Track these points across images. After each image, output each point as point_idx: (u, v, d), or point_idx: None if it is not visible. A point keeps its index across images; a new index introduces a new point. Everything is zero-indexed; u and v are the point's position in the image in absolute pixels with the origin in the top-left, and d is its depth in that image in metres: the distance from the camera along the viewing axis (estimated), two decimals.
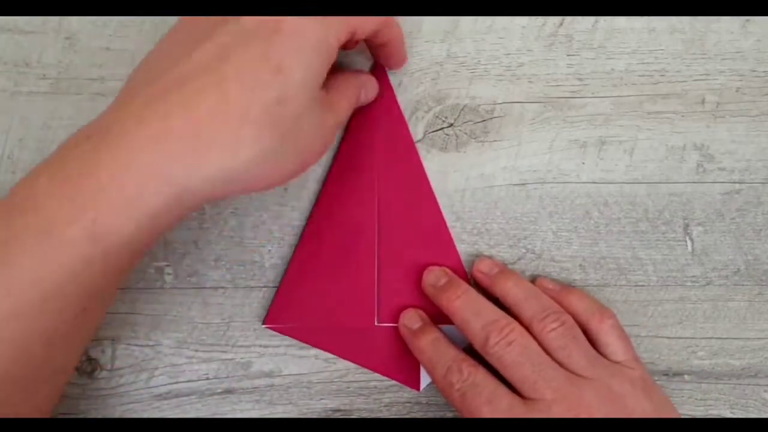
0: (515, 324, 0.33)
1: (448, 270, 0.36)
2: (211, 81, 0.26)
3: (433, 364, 0.34)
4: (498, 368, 0.32)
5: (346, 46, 0.31)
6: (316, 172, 0.37)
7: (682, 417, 0.33)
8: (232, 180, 0.26)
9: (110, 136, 0.26)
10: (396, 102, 0.36)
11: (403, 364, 0.36)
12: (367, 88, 0.35)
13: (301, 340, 0.37)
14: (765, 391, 0.37)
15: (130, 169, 0.25)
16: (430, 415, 0.37)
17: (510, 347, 0.32)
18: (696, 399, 0.37)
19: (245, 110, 0.26)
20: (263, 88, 0.26)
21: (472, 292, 0.34)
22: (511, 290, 0.34)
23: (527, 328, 0.33)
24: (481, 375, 0.32)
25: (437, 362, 0.33)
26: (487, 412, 0.31)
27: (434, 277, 0.36)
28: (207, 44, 0.27)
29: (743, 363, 0.37)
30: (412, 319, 0.36)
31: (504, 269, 0.36)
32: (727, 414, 0.37)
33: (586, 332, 0.34)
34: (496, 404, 0.31)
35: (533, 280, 0.37)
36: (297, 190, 0.37)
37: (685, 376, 0.37)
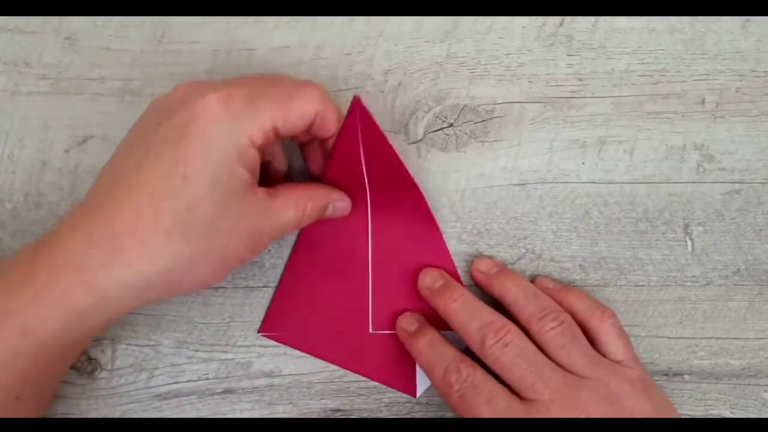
0: (511, 325, 0.33)
1: (443, 272, 0.36)
2: (127, 194, 0.28)
3: (432, 365, 0.34)
4: (495, 370, 0.32)
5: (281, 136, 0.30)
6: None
7: (682, 417, 0.33)
8: (151, 286, 0.28)
9: (49, 243, 0.28)
10: (374, 121, 0.32)
11: (399, 371, 0.36)
12: (334, 204, 0.34)
13: (297, 348, 0.37)
14: (765, 391, 0.37)
15: (58, 273, 0.28)
16: (430, 415, 0.37)
17: (507, 348, 0.32)
18: (696, 399, 0.37)
19: (155, 220, 0.27)
20: (172, 196, 0.27)
21: (469, 295, 0.34)
22: (510, 289, 0.35)
23: (526, 328, 0.33)
24: (479, 375, 0.32)
25: (435, 363, 0.33)
26: (486, 413, 0.31)
27: (430, 278, 0.36)
28: (130, 158, 0.29)
29: (743, 363, 0.37)
30: (409, 321, 0.36)
31: (503, 268, 0.36)
32: (727, 414, 0.37)
33: (585, 331, 0.34)
34: (495, 404, 0.31)
35: (533, 279, 0.37)
36: None
37: (685, 376, 0.37)
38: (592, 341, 0.34)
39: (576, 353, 0.32)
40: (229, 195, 0.28)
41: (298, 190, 0.32)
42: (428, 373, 0.34)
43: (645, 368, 0.34)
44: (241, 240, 0.29)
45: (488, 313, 0.33)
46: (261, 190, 0.30)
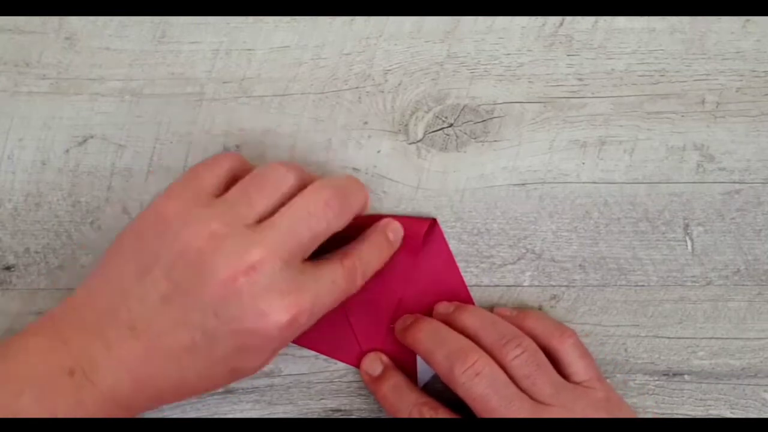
0: (480, 352, 0.32)
1: (418, 314, 0.36)
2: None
3: (396, 410, 0.34)
4: (464, 399, 0.32)
5: None
6: (316, 173, 0.37)
7: None
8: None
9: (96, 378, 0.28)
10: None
11: (399, 366, 0.36)
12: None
13: (297, 344, 0.37)
14: (765, 391, 0.37)
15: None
16: None
17: (477, 378, 0.32)
18: (696, 399, 0.37)
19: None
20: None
21: (435, 323, 0.34)
22: (467, 321, 0.34)
23: (490, 356, 0.33)
24: (440, 413, 0.33)
25: (399, 408, 0.34)
26: None
27: (402, 320, 0.36)
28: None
29: (743, 363, 0.37)
30: (372, 364, 0.36)
31: (459, 305, 0.36)
32: (727, 414, 0.37)
33: (547, 353, 0.34)
34: None
35: (491, 309, 0.37)
36: None
37: (685, 376, 0.37)
38: (554, 362, 0.34)
39: (541, 382, 0.32)
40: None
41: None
42: (393, 415, 0.34)
43: (609, 385, 0.34)
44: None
45: (456, 339, 0.33)
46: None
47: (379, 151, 0.37)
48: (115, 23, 0.36)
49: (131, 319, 0.28)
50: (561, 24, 0.37)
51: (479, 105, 0.37)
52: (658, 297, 0.37)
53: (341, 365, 0.37)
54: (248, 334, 0.29)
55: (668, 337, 0.37)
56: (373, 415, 0.37)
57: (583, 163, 0.37)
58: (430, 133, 0.37)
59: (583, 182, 0.37)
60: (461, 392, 0.32)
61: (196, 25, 0.36)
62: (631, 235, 0.37)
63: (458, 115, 0.37)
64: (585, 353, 0.35)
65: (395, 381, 0.35)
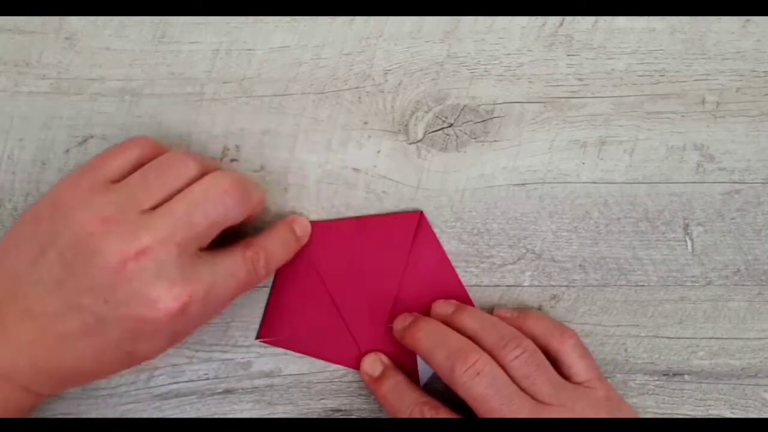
0: (481, 352, 0.32)
1: (415, 313, 0.36)
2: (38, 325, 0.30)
3: (396, 410, 0.34)
4: (465, 399, 0.32)
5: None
6: (316, 173, 0.37)
7: None
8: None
9: None
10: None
11: (399, 366, 0.36)
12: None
13: (296, 351, 0.37)
14: (765, 391, 0.37)
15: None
16: None
17: (478, 378, 0.31)
18: (696, 399, 0.37)
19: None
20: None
21: (435, 323, 0.34)
22: (467, 323, 0.34)
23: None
24: (442, 412, 0.32)
25: (399, 408, 0.34)
26: None
27: (401, 320, 0.36)
28: (48, 281, 0.29)
29: (743, 363, 0.37)
30: (373, 365, 0.36)
31: (459, 306, 0.36)
32: (727, 414, 0.37)
33: (547, 353, 0.34)
34: None
35: (490, 310, 0.37)
36: (297, 189, 0.37)
37: (685, 376, 0.37)
38: (555, 363, 0.34)
39: (541, 382, 0.32)
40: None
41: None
42: (393, 415, 0.34)
43: (610, 385, 0.34)
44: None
45: (457, 339, 0.33)
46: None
47: (379, 151, 0.37)
48: (115, 23, 0.36)
49: (27, 302, 0.29)
50: (561, 24, 0.37)
51: (479, 105, 0.37)
52: (658, 297, 0.37)
53: (341, 365, 0.37)
54: (138, 321, 0.28)
55: (668, 337, 0.37)
56: (373, 415, 0.37)
57: (583, 163, 0.37)
58: (430, 133, 0.37)
59: (583, 182, 0.37)
60: (462, 392, 0.32)
61: (196, 25, 0.36)
62: (631, 235, 0.37)
63: (458, 115, 0.37)
64: (585, 353, 0.34)
65: (395, 381, 0.35)
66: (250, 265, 0.31)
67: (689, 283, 0.37)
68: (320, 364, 0.37)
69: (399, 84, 0.37)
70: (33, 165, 0.36)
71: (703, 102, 0.37)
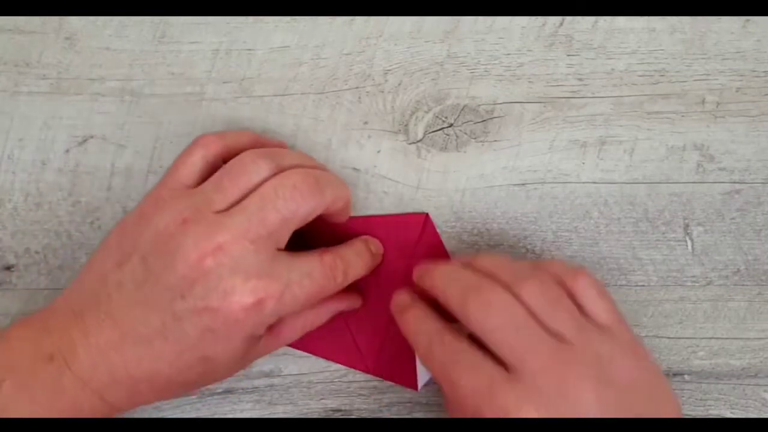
0: (497, 286, 0.30)
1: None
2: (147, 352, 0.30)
3: (417, 336, 0.32)
4: (480, 335, 0.29)
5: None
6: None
7: (673, 390, 0.31)
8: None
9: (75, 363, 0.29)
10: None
11: (398, 365, 0.36)
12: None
13: (296, 348, 0.37)
14: (765, 391, 0.37)
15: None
16: (430, 415, 0.37)
17: (491, 310, 0.29)
18: (696, 399, 0.37)
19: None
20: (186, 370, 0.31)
21: (453, 265, 0.33)
22: (484, 263, 0.32)
23: None
24: (464, 345, 0.30)
25: (420, 334, 0.32)
26: (466, 383, 0.29)
27: (422, 265, 0.34)
28: (144, 303, 0.30)
29: (743, 363, 0.37)
30: (401, 298, 0.34)
31: (478, 254, 0.35)
32: (727, 414, 0.37)
33: None
34: (476, 374, 0.29)
35: None
36: None
37: (685, 376, 0.37)
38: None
39: (560, 317, 0.29)
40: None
41: (302, 319, 0.34)
42: (414, 345, 0.32)
43: (631, 328, 0.32)
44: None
45: (473, 276, 0.31)
46: (260, 342, 0.32)
47: (379, 151, 0.37)
48: (115, 23, 0.36)
49: (110, 306, 0.29)
50: (561, 24, 0.37)
51: (479, 105, 0.37)
52: (658, 297, 0.37)
53: (342, 365, 0.37)
54: (213, 314, 0.29)
55: (668, 337, 0.37)
56: (373, 415, 0.37)
57: (583, 163, 0.37)
58: (430, 133, 0.37)
59: (583, 182, 0.37)
60: (475, 327, 0.29)
61: (196, 25, 0.36)
62: (631, 235, 0.37)
63: (458, 115, 0.37)
64: (603, 292, 0.31)
65: (420, 310, 0.33)
66: (328, 270, 0.32)
67: (689, 283, 0.37)
68: (320, 364, 0.37)
69: (399, 84, 0.37)
70: (33, 165, 0.36)
71: (703, 102, 0.37)
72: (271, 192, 0.30)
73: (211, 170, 0.32)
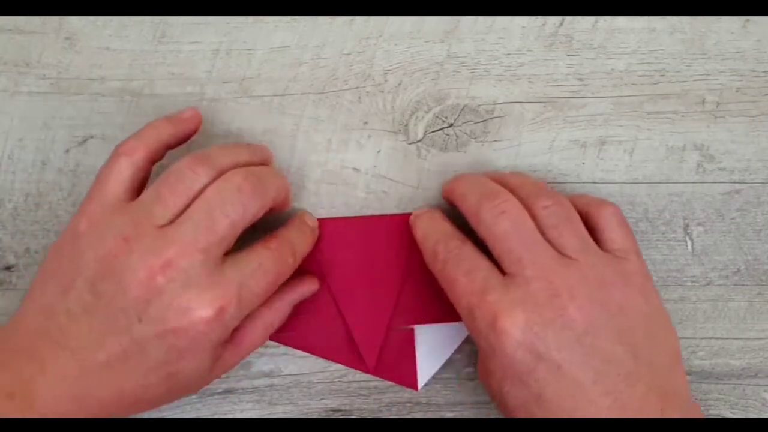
0: (512, 197, 0.31)
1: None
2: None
3: (425, 237, 0.33)
4: (487, 240, 0.31)
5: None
6: (316, 173, 0.37)
7: (674, 329, 0.31)
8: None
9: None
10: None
11: (399, 365, 0.36)
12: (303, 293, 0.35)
13: (297, 348, 0.37)
14: (765, 391, 0.37)
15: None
16: (429, 415, 0.37)
17: (502, 216, 0.30)
18: (696, 399, 0.37)
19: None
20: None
21: (480, 175, 0.34)
22: (509, 179, 0.33)
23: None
24: (467, 249, 0.31)
25: (429, 235, 0.33)
26: (463, 283, 0.30)
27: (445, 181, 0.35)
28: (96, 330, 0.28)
29: (743, 363, 0.37)
30: (419, 210, 0.35)
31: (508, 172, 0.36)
32: (727, 414, 0.37)
33: (585, 220, 0.32)
34: (473, 275, 0.30)
35: None
36: (297, 190, 0.37)
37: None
38: (592, 230, 0.32)
39: (569, 234, 0.30)
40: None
41: (260, 320, 0.33)
42: (421, 246, 0.33)
43: (645, 264, 0.31)
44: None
45: (492, 186, 0.32)
46: (226, 352, 0.32)
47: (379, 151, 0.37)
48: (115, 23, 0.36)
49: (62, 336, 0.28)
50: (561, 24, 0.37)
51: (479, 105, 0.37)
52: None
53: (341, 365, 0.37)
54: (175, 334, 0.28)
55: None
56: (373, 415, 0.37)
57: (583, 163, 0.37)
58: (430, 133, 0.37)
59: (583, 182, 0.37)
60: (484, 231, 0.31)
61: (196, 25, 0.36)
62: None
63: (458, 115, 0.37)
64: (625, 224, 0.32)
65: (434, 214, 0.34)
66: (277, 255, 0.31)
67: (689, 283, 0.37)
68: (320, 364, 0.37)
69: (399, 84, 0.37)
70: (33, 165, 0.36)
71: (703, 102, 0.37)
72: (216, 197, 0.29)
73: (140, 178, 0.31)
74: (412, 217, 0.35)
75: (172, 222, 0.29)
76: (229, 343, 0.32)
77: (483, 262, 0.30)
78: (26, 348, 0.28)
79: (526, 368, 0.28)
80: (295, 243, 0.32)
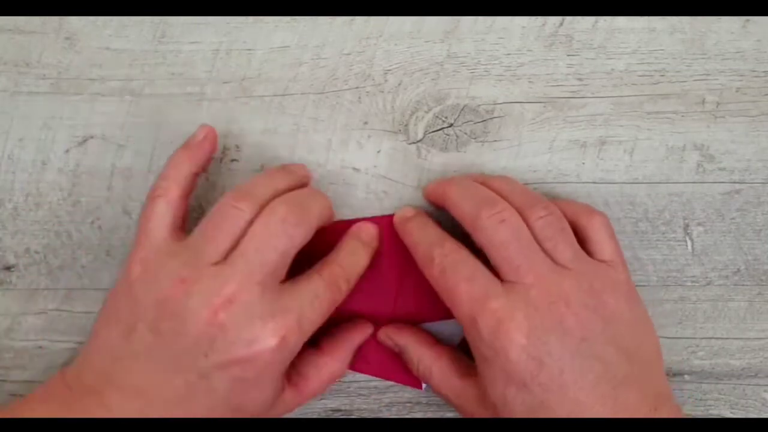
0: (509, 205, 0.32)
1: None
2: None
3: (417, 242, 0.33)
4: (484, 247, 0.31)
5: None
6: (316, 173, 0.37)
7: (657, 337, 0.32)
8: None
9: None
10: None
11: (402, 365, 0.36)
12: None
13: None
14: (765, 391, 0.37)
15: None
16: (430, 415, 0.37)
17: (502, 225, 0.31)
18: (696, 399, 0.37)
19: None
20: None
21: (468, 179, 0.34)
22: (499, 184, 0.34)
23: None
24: (463, 253, 0.32)
25: (421, 240, 0.33)
26: (464, 290, 0.30)
27: (428, 186, 0.36)
28: (167, 370, 0.29)
29: (743, 363, 0.37)
30: (404, 210, 0.36)
31: (491, 175, 0.36)
32: (727, 414, 0.37)
33: (575, 230, 0.33)
34: (474, 282, 0.30)
35: None
36: None
37: (685, 376, 0.37)
38: (581, 240, 0.33)
39: (563, 246, 0.31)
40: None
41: (326, 369, 0.34)
42: (413, 251, 0.33)
43: (630, 275, 0.33)
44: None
45: (487, 193, 0.33)
46: (288, 393, 0.33)
47: (379, 151, 0.37)
48: (115, 23, 0.36)
49: (129, 378, 0.29)
50: (561, 24, 0.37)
51: (479, 105, 0.37)
52: (658, 297, 0.37)
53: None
54: (241, 365, 0.29)
55: (668, 337, 0.37)
56: (373, 415, 0.37)
57: (583, 163, 0.37)
58: (430, 133, 0.37)
59: (583, 182, 0.37)
60: (483, 238, 0.31)
61: (196, 25, 0.36)
62: (631, 235, 0.37)
63: (458, 115, 0.37)
64: (612, 235, 0.33)
65: (423, 220, 0.35)
66: (331, 284, 0.32)
67: (689, 283, 0.37)
68: None
69: (399, 84, 0.37)
70: (33, 165, 0.36)
71: (703, 102, 0.37)
72: (263, 231, 0.30)
73: (180, 215, 0.32)
74: (397, 220, 0.35)
75: (224, 259, 0.30)
76: (293, 386, 0.33)
77: (481, 268, 0.31)
78: (93, 390, 0.29)
79: (530, 374, 0.29)
80: (347, 268, 0.33)
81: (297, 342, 0.30)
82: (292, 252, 0.31)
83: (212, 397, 0.29)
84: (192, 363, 0.29)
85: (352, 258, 0.34)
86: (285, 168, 0.35)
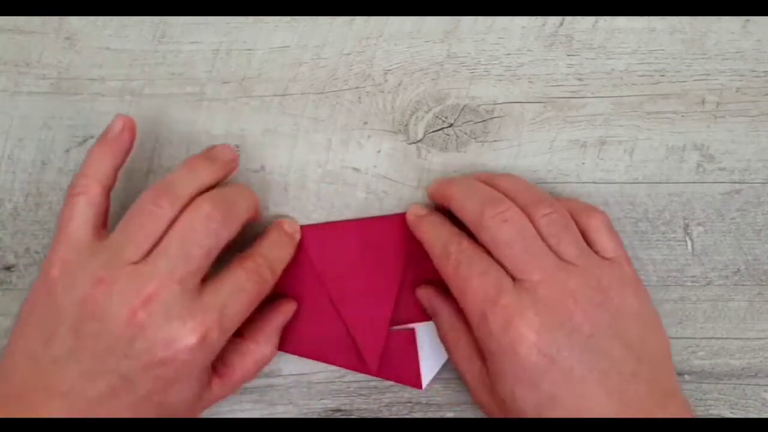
0: (513, 204, 0.32)
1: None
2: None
3: (433, 240, 0.33)
4: (489, 246, 0.31)
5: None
6: (317, 173, 0.37)
7: (663, 326, 0.32)
8: None
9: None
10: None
11: (402, 365, 0.36)
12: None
13: (299, 355, 0.36)
14: (765, 391, 0.37)
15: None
16: (430, 415, 0.37)
17: (506, 224, 0.31)
18: (696, 399, 0.37)
19: None
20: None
21: (470, 179, 0.34)
22: (503, 182, 0.34)
23: None
24: (479, 250, 0.32)
25: (437, 237, 0.33)
26: (477, 284, 0.30)
27: (431, 185, 0.36)
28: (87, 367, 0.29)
29: (743, 363, 0.37)
30: (416, 208, 0.35)
31: (496, 174, 0.36)
32: (727, 414, 0.37)
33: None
34: (487, 277, 0.30)
35: None
36: (297, 189, 0.37)
37: (685, 376, 0.37)
38: (582, 237, 0.33)
39: (567, 242, 0.31)
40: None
41: (250, 356, 0.34)
42: (429, 249, 0.33)
43: (634, 269, 0.33)
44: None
45: (490, 191, 0.33)
46: (215, 385, 0.33)
47: (379, 151, 0.37)
48: (115, 23, 0.36)
49: (50, 382, 0.29)
50: (561, 24, 0.37)
51: (479, 105, 0.37)
52: (658, 297, 0.37)
53: (342, 368, 0.37)
54: (162, 365, 0.29)
55: (668, 337, 0.37)
56: (373, 415, 0.37)
57: (583, 163, 0.37)
58: (430, 133, 0.37)
59: (583, 182, 0.37)
60: (487, 238, 0.31)
61: (196, 25, 0.36)
62: (631, 235, 0.37)
63: (458, 115, 0.37)
64: (614, 233, 0.33)
65: (438, 218, 0.34)
66: (255, 275, 0.32)
67: (689, 283, 0.37)
68: (320, 364, 0.37)
69: (399, 84, 0.37)
70: (33, 165, 0.36)
71: (703, 102, 0.37)
72: (186, 229, 0.30)
73: (101, 212, 0.32)
74: (411, 218, 0.35)
75: (145, 257, 0.30)
76: (219, 377, 0.33)
77: (495, 265, 0.31)
78: (16, 396, 0.29)
79: (539, 370, 0.29)
80: (271, 258, 0.33)
81: (219, 338, 0.30)
82: (216, 250, 0.30)
83: (135, 395, 0.29)
84: (114, 364, 0.28)
85: (276, 248, 0.34)
86: (209, 155, 0.34)
